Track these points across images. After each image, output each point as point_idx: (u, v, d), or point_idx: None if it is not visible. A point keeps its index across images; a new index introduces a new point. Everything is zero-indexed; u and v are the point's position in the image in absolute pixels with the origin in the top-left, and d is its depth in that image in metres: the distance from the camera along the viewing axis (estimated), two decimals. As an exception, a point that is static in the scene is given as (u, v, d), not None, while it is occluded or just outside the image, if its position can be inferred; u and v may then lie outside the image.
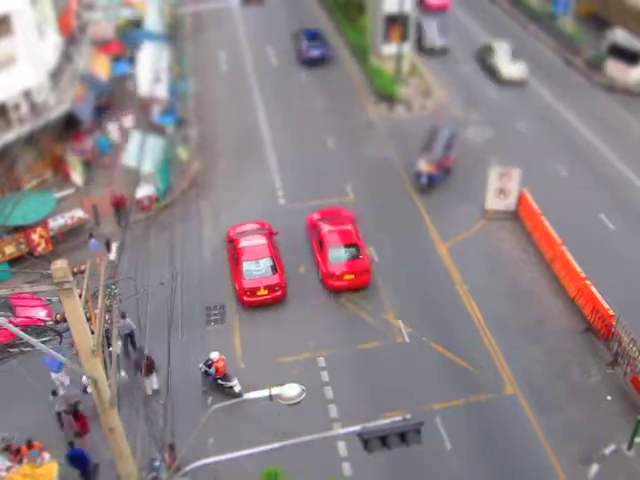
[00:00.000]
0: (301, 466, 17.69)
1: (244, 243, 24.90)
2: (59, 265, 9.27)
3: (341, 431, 14.95)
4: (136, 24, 41.24)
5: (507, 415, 20.05)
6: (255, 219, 27.38)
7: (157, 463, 15.01)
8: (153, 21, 41.85)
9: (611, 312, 21.39)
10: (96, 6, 39.44)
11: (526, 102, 37.01)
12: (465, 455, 18.93)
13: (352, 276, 24.17)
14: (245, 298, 23.66)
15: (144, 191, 28.74)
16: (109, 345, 11.46)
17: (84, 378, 19.08)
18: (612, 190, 29.86)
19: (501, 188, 27.59)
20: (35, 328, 12.08)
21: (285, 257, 25.81)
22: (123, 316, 21.44)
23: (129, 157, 30.22)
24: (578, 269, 23.33)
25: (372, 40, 40.76)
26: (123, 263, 24.49)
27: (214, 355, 20.72)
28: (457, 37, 44.42)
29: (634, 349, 20.11)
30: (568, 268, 23.98)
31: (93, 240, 25.87)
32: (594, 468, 18.56)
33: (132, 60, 37.51)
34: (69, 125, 30.92)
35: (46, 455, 17.82)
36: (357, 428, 11.96)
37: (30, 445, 17.85)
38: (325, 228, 25.61)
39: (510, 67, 38.48)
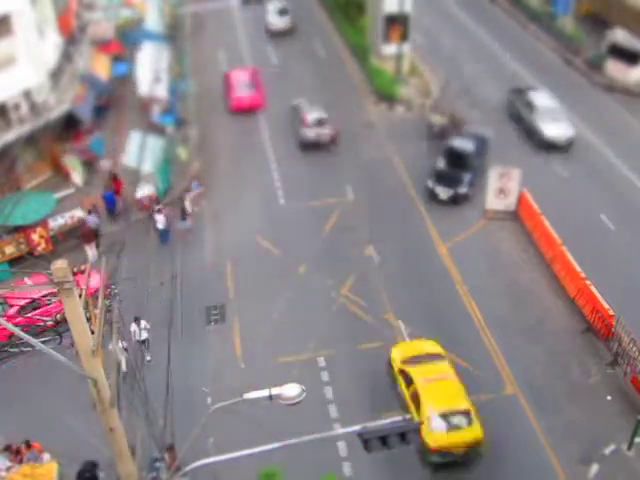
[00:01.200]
0: (301, 466, 17.70)
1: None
2: (59, 265, 9.26)
3: (341, 431, 14.95)
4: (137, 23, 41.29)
5: (507, 415, 20.04)
6: (255, 218, 27.11)
7: (158, 464, 15.01)
8: (153, 21, 41.85)
9: (611, 312, 21.39)
10: (96, 6, 39.42)
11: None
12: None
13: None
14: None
15: (144, 191, 28.74)
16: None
17: None
18: (612, 190, 29.84)
19: (501, 188, 27.59)
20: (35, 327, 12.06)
21: (286, 256, 25.78)
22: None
23: (129, 157, 30.22)
24: (578, 269, 23.33)
25: (372, 40, 40.75)
26: (123, 263, 24.53)
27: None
28: (458, 37, 44.49)
29: (634, 349, 20.11)
30: (568, 268, 23.98)
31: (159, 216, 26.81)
32: (594, 468, 18.55)
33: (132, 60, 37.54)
34: (69, 125, 30.91)
35: (46, 455, 17.80)
36: (357, 428, 11.95)
37: (28, 445, 17.81)
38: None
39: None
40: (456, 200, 28.92)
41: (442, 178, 29.24)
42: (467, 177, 29.17)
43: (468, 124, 33.41)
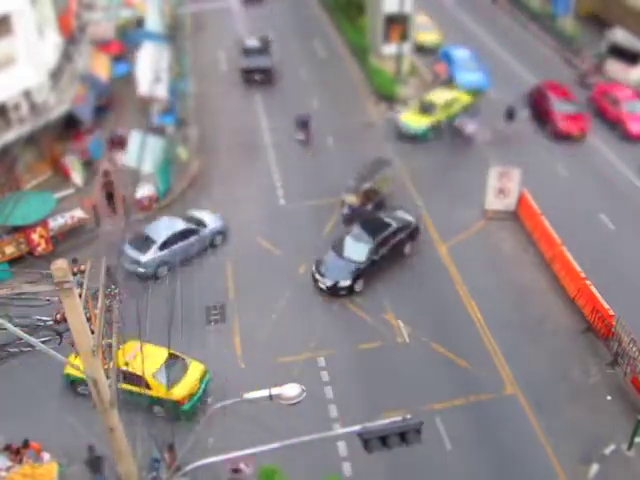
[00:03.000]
0: (301, 466, 17.71)
1: None
2: (59, 265, 9.25)
3: (341, 431, 14.96)
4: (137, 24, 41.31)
5: (507, 415, 20.05)
6: (255, 219, 27.12)
7: (157, 464, 15.04)
8: (153, 21, 41.86)
9: (611, 312, 21.39)
10: (96, 6, 39.45)
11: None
12: (465, 455, 18.94)
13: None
14: None
15: (144, 191, 28.74)
16: None
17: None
18: (612, 190, 29.85)
19: (501, 188, 27.60)
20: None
21: (286, 256, 25.71)
22: None
23: (129, 157, 30.21)
24: (578, 269, 23.33)
25: (372, 40, 40.76)
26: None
27: None
28: (458, 37, 44.48)
29: (634, 349, 20.11)
30: (568, 268, 23.98)
31: None
32: (594, 468, 18.56)
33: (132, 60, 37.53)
34: (69, 125, 30.92)
35: (46, 455, 17.81)
36: (357, 428, 11.96)
37: (27, 445, 17.79)
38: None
39: None
40: (335, 292, 24.24)
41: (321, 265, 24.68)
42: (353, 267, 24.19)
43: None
